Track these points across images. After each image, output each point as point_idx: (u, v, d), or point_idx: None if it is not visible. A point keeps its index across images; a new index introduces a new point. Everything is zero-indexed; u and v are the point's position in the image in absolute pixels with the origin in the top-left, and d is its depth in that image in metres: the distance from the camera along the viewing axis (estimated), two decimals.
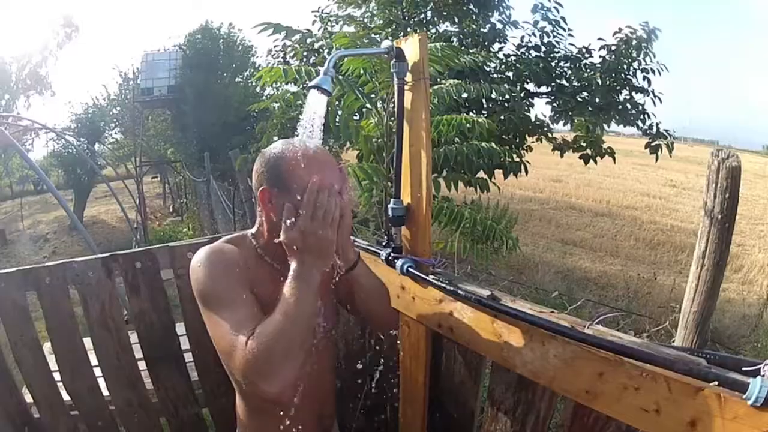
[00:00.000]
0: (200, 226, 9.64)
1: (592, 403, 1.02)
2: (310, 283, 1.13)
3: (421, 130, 1.37)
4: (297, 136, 1.20)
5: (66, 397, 2.17)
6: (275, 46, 6.91)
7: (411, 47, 1.37)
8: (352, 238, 1.75)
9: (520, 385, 1.25)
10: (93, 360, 2.13)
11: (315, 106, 1.22)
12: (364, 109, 2.65)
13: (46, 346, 2.11)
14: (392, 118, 2.26)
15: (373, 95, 2.39)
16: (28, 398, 2.19)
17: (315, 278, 1.13)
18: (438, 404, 1.62)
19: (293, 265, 1.13)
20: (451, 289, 1.30)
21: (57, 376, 2.14)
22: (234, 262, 1.22)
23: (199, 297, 1.20)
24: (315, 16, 6.34)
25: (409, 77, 1.38)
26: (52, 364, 2.12)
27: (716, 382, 0.81)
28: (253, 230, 1.32)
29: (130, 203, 11.48)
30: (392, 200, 1.44)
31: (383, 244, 1.52)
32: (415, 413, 1.66)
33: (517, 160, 3.49)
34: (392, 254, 1.46)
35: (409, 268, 1.40)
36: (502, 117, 4.62)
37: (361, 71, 2.30)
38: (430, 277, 1.35)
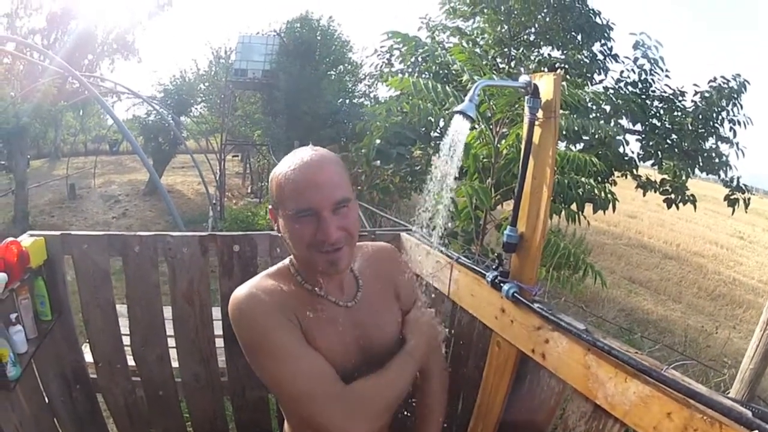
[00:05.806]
0: None
1: None
2: (418, 363, 1.32)
3: (546, 165, 1.42)
4: (438, 158, 1.27)
5: (130, 363, 2.20)
6: (381, 47, 7.04)
7: (546, 85, 1.42)
8: (454, 254, 1.83)
9: (594, 414, 1.30)
10: (168, 330, 2.16)
11: (458, 131, 1.29)
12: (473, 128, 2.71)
13: (118, 309, 2.13)
14: (502, 141, 2.32)
15: (486, 116, 2.44)
16: (87, 358, 2.22)
17: (423, 360, 1.35)
18: (507, 422, 1.68)
19: (412, 342, 1.33)
20: (554, 319, 1.35)
21: (125, 340, 2.17)
22: (275, 302, 1.19)
23: (246, 347, 1.17)
24: (422, 22, 6.42)
25: (540, 114, 1.43)
26: (123, 329, 2.15)
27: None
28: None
29: (208, 178, 11.75)
30: (508, 227, 1.51)
31: (493, 267, 1.59)
32: (486, 428, 1.73)
33: (610, 196, 3.49)
34: (499, 278, 1.53)
35: (515, 294, 1.47)
36: (599, 152, 4.61)
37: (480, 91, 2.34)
38: (536, 306, 1.41)
